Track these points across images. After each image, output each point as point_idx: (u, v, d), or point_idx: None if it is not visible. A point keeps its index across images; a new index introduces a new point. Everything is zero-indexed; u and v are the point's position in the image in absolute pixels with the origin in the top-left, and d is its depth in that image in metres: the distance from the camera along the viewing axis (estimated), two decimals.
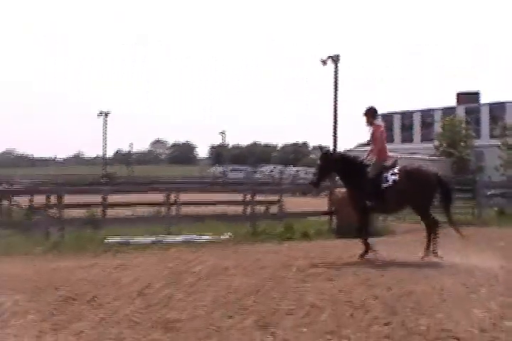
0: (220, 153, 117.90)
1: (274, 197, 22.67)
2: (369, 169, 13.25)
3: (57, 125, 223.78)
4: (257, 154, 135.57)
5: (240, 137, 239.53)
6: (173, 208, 18.02)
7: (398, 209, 14.25)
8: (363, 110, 13.64)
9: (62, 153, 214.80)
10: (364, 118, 13.63)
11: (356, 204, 13.49)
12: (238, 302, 9.08)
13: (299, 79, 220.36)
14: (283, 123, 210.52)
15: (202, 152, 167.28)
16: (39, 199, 18.91)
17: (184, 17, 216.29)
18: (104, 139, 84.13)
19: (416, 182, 13.00)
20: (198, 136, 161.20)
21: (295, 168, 74.16)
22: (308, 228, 17.91)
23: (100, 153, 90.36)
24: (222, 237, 16.41)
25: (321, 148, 14.41)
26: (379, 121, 14.18)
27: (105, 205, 19.08)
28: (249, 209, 18.75)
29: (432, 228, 13.15)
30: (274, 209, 21.61)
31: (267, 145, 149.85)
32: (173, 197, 17.94)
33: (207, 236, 16.42)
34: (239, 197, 19.56)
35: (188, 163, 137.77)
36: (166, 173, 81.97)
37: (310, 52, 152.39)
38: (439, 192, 13.47)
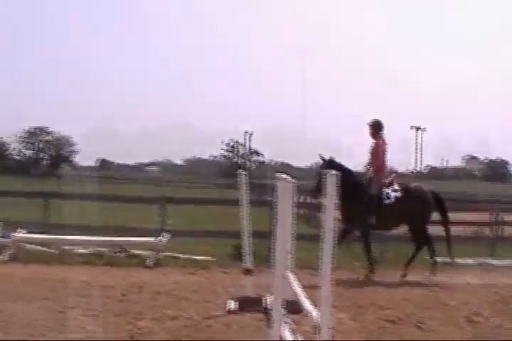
0: None
1: None
2: (367, 185, 12.76)
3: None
4: None
5: None
6: (496, 228, 17.11)
7: (398, 225, 13.60)
8: (368, 121, 13.31)
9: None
10: (368, 130, 13.28)
11: (358, 222, 12.77)
12: None
13: None
14: None
15: None
16: None
17: None
18: (417, 154, 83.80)
19: (415, 200, 12.95)
20: None
21: None
22: None
23: (410, 168, 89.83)
24: None
25: (322, 157, 13.18)
26: (383, 136, 13.32)
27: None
28: None
29: (427, 244, 13.11)
30: None
31: None
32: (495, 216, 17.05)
33: None
34: None
35: (502, 180, 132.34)
36: (474, 190, 79.18)
37: None
38: (436, 209, 13.42)
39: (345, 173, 12.98)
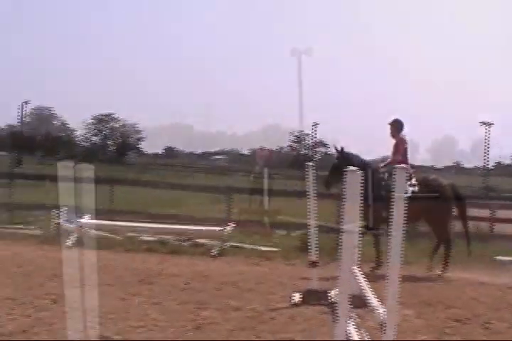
0: None
1: None
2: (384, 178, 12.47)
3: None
4: None
5: None
6: None
7: (414, 221, 13.10)
8: (389, 120, 13.27)
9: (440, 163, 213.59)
10: (389, 129, 13.27)
11: (372, 215, 12.20)
12: None
13: None
14: None
15: None
16: None
17: None
18: (486, 150, 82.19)
19: (434, 193, 12.59)
20: None
21: None
22: None
23: (479, 164, 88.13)
24: None
25: (336, 147, 13.11)
26: (403, 135, 13.32)
27: (493, 220, 18.10)
28: None
29: (446, 243, 12.80)
30: None
31: None
32: None
33: None
34: None
35: None
36: None
37: None
38: (455, 203, 13.08)
39: (360, 165, 12.78)
